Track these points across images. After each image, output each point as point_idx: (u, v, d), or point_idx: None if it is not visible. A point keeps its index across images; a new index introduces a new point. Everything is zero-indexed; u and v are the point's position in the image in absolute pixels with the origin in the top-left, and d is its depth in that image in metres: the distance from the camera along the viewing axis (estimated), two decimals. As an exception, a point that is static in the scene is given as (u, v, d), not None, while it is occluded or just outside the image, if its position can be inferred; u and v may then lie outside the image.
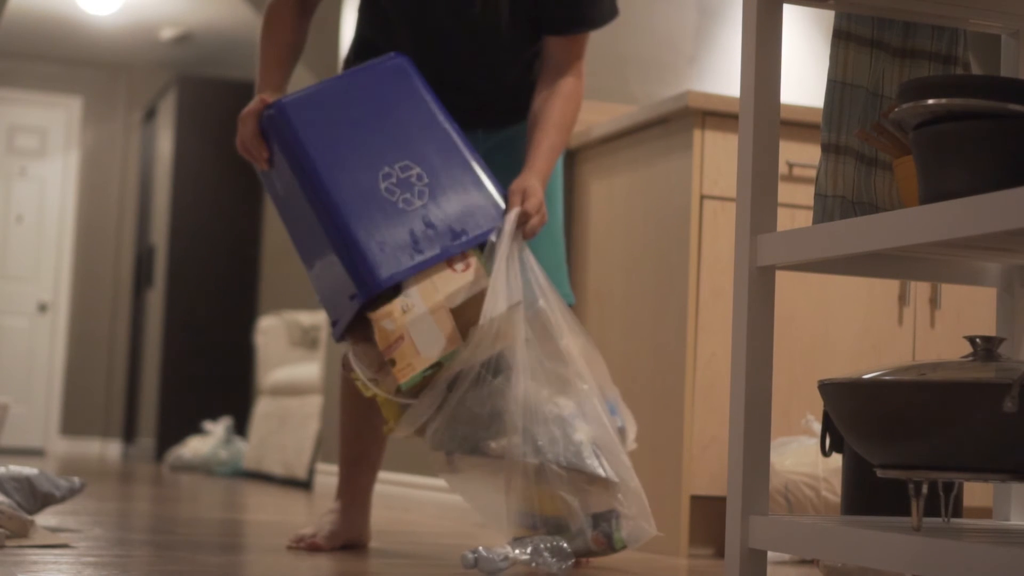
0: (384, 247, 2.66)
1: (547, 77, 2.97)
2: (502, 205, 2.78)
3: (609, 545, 2.70)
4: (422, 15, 2.95)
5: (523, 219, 2.76)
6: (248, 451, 7.05)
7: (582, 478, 2.65)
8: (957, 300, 3.49)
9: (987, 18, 1.96)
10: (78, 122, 10.26)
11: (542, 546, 2.57)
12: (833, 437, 1.89)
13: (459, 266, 2.70)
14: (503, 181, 3.00)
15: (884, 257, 1.88)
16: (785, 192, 3.36)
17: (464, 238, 2.73)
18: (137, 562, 2.51)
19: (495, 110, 3.06)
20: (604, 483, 2.66)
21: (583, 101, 3.91)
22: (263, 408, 7.05)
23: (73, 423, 10.14)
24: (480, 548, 2.51)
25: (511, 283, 2.69)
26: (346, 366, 2.72)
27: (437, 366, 2.65)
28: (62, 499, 3.22)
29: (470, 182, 2.79)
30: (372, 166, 2.74)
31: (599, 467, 2.67)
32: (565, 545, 2.60)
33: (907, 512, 2.15)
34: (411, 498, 4.47)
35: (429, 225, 2.71)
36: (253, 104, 2.83)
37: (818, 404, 3.37)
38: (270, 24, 3.03)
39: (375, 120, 2.82)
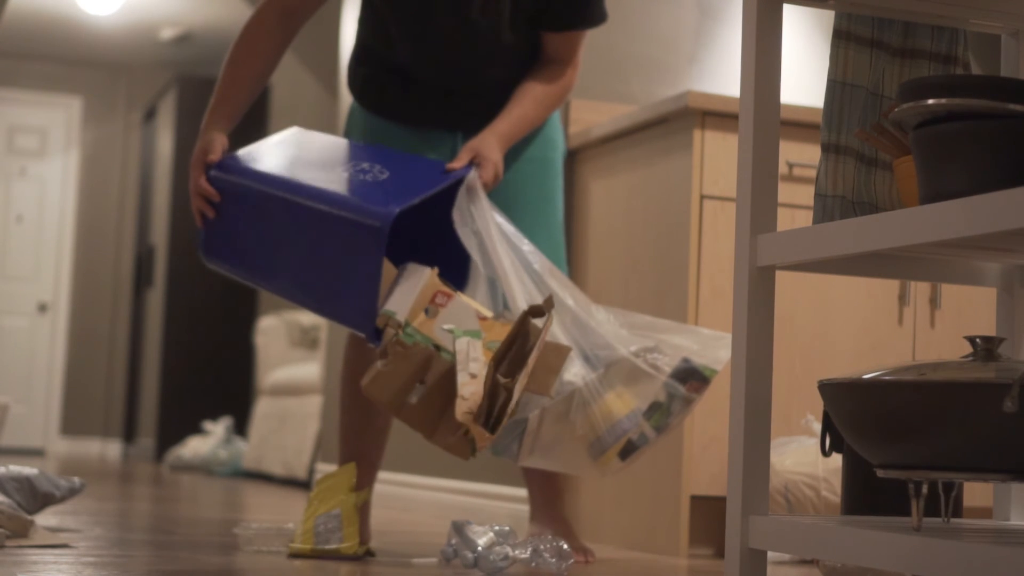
0: (379, 199, 2.68)
1: (542, 63, 3.04)
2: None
3: (704, 380, 2.82)
4: (421, 22, 2.95)
5: (484, 180, 2.84)
6: (248, 451, 7.05)
7: (645, 350, 2.80)
8: (957, 300, 3.49)
9: (987, 18, 1.96)
10: (78, 122, 10.26)
11: (542, 547, 2.57)
12: (833, 437, 1.89)
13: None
14: (506, 175, 3.04)
15: (884, 257, 1.88)
16: (785, 192, 3.36)
17: (445, 181, 2.78)
18: (137, 562, 2.51)
19: (492, 115, 3.06)
20: (662, 343, 2.82)
21: (584, 101, 3.92)
22: (263, 408, 7.05)
23: (73, 423, 10.14)
24: (454, 541, 2.52)
25: (515, 278, 2.75)
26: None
27: None
28: (62, 499, 3.22)
29: (415, 159, 2.88)
30: (329, 169, 2.80)
31: (650, 326, 2.84)
32: (565, 546, 2.61)
33: (907, 512, 2.15)
34: (411, 498, 4.47)
35: (407, 180, 2.76)
36: (198, 155, 2.84)
37: (818, 404, 3.37)
38: (244, 45, 2.93)
39: (307, 152, 2.90)
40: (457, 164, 2.83)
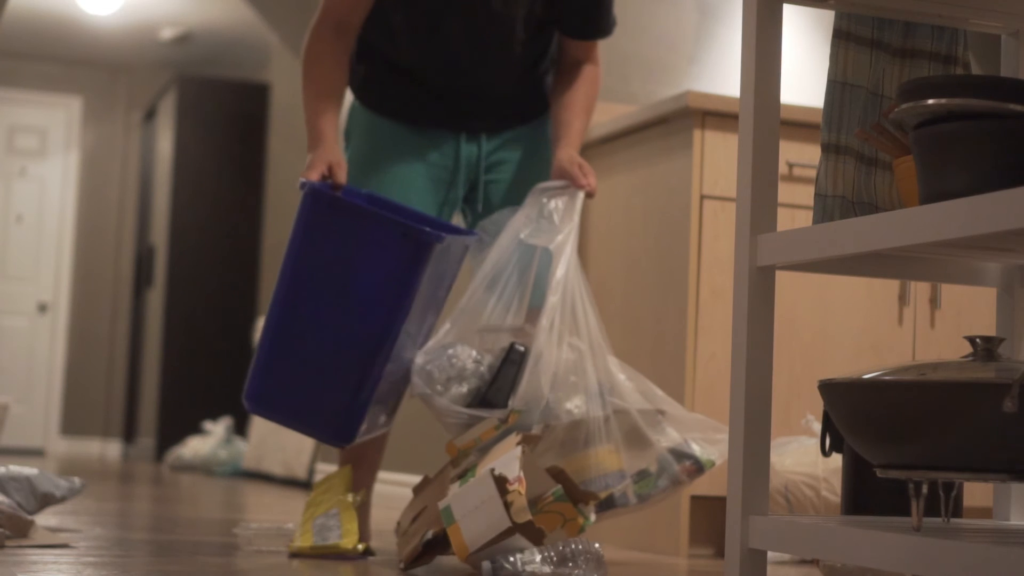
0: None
1: (568, 66, 3.11)
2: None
3: (699, 468, 2.81)
4: (434, 22, 2.95)
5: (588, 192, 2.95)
6: (248, 451, 7.05)
7: (651, 413, 2.79)
8: (957, 300, 3.49)
9: (987, 18, 1.96)
10: (78, 122, 10.26)
11: (578, 555, 2.44)
12: (833, 437, 1.89)
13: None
14: (501, 176, 3.08)
15: (884, 257, 1.88)
16: (785, 192, 3.36)
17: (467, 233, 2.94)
18: (137, 562, 2.51)
19: (499, 115, 3.07)
20: (670, 416, 2.82)
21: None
22: (263, 408, 7.04)
23: (73, 423, 10.14)
24: (498, 558, 2.42)
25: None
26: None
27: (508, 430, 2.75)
28: (62, 499, 3.22)
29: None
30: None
31: (663, 401, 2.83)
32: (597, 546, 2.49)
33: (907, 512, 2.15)
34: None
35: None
36: (320, 164, 2.85)
37: (818, 404, 3.37)
38: (313, 68, 2.97)
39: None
40: (566, 179, 2.92)
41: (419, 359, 2.78)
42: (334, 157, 2.87)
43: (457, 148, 3.06)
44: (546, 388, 2.73)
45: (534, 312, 2.88)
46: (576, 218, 2.88)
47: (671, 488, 2.79)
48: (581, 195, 2.92)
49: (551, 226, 2.85)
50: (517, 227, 2.87)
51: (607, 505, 2.76)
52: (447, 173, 3.06)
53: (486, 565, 2.41)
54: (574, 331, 2.80)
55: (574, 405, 2.75)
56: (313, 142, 2.91)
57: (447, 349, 2.78)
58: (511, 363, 2.75)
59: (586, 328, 2.82)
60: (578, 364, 2.78)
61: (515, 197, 3.06)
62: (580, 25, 3.06)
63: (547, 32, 3.06)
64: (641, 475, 2.75)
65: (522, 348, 2.76)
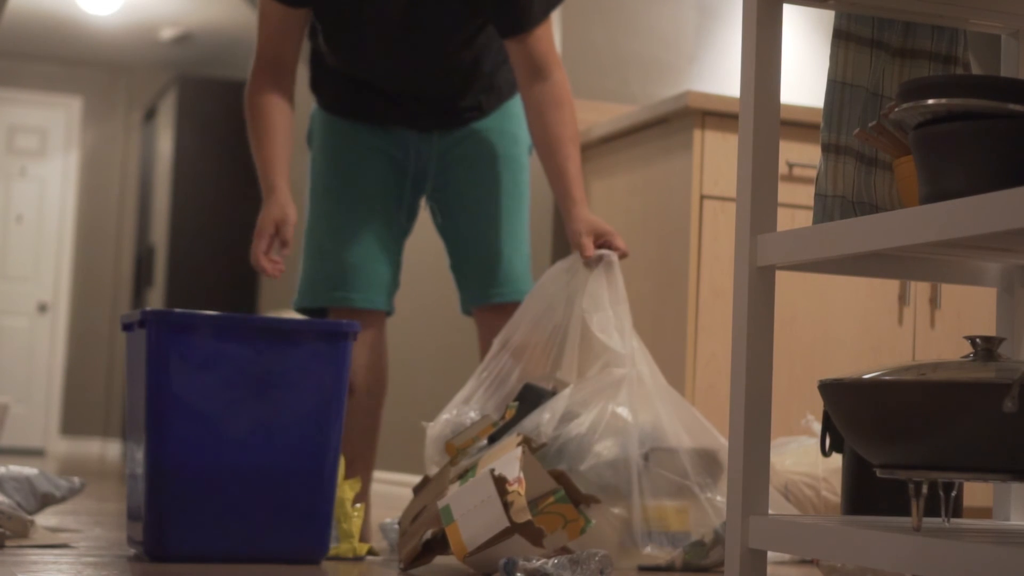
0: None
1: (527, 82, 2.92)
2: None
3: None
4: (354, 46, 2.95)
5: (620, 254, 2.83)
6: (248, 451, 7.05)
7: (709, 457, 2.70)
8: (957, 300, 3.49)
9: (987, 18, 1.96)
10: (78, 122, 10.26)
11: (591, 561, 2.41)
12: (833, 437, 1.89)
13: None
14: (466, 174, 3.04)
15: (884, 257, 1.88)
16: (785, 192, 3.36)
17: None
18: (137, 562, 2.51)
19: (448, 113, 3.04)
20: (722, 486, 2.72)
21: (584, 101, 3.92)
22: (263, 408, 7.04)
23: (73, 423, 10.14)
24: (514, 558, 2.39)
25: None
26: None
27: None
28: (62, 499, 3.22)
29: None
30: None
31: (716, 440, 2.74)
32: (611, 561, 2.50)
33: (907, 512, 2.15)
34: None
35: None
36: (267, 224, 2.82)
37: (818, 404, 3.37)
38: (251, 116, 2.96)
39: None
40: (588, 253, 2.79)
41: (435, 430, 2.78)
42: (280, 213, 2.84)
43: (411, 143, 3.06)
44: (547, 423, 2.70)
45: (503, 307, 2.94)
46: (622, 288, 2.80)
47: (713, 564, 2.69)
48: (615, 259, 2.81)
49: (607, 314, 2.79)
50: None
51: (655, 568, 2.67)
52: (404, 165, 3.06)
53: (501, 562, 2.39)
54: (647, 405, 2.74)
55: (604, 447, 2.71)
56: (264, 193, 2.90)
57: (467, 413, 2.78)
58: (522, 399, 2.75)
59: (656, 394, 2.76)
60: (616, 417, 2.72)
61: (472, 194, 3.02)
62: (502, 22, 2.88)
63: (483, 33, 2.97)
64: (694, 545, 2.65)
65: (536, 387, 2.75)
